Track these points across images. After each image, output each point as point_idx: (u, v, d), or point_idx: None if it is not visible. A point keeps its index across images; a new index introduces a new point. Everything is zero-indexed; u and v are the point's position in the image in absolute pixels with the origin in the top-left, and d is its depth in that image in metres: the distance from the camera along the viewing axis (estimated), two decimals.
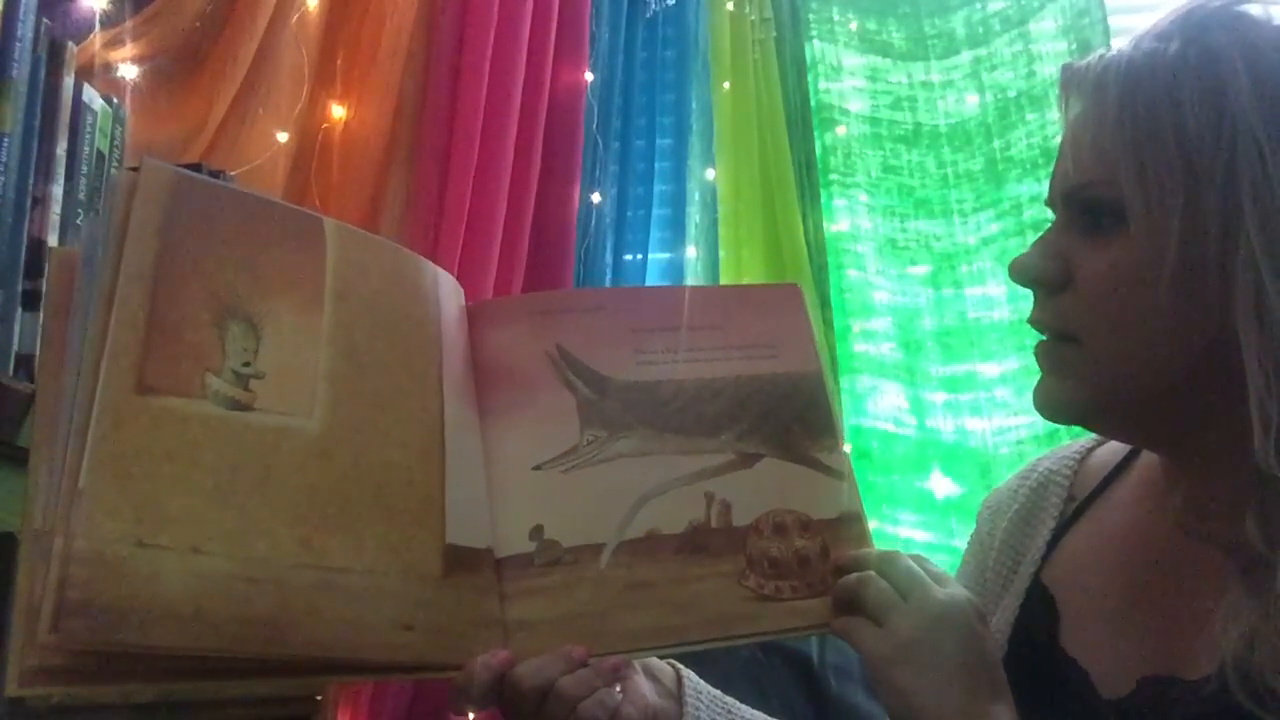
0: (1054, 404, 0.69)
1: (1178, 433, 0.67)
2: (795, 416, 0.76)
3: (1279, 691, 0.57)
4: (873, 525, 0.75)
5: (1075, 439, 0.84)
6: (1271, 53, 0.61)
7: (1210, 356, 0.62)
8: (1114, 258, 0.64)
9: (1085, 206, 0.66)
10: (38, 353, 0.94)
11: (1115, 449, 0.79)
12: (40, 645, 0.50)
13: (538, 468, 0.71)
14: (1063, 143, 0.68)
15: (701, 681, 0.78)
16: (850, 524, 0.73)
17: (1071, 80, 0.68)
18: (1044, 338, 0.69)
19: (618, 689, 0.68)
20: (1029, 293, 0.70)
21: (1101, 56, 0.66)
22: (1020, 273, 0.69)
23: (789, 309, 0.80)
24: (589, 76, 1.77)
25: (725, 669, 0.87)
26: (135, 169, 0.60)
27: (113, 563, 0.52)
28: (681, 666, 0.78)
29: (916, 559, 0.69)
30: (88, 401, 0.54)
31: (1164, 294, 0.61)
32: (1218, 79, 0.61)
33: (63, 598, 0.50)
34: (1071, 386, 0.67)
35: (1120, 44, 0.67)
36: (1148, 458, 0.75)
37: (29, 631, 0.51)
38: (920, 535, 1.94)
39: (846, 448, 0.80)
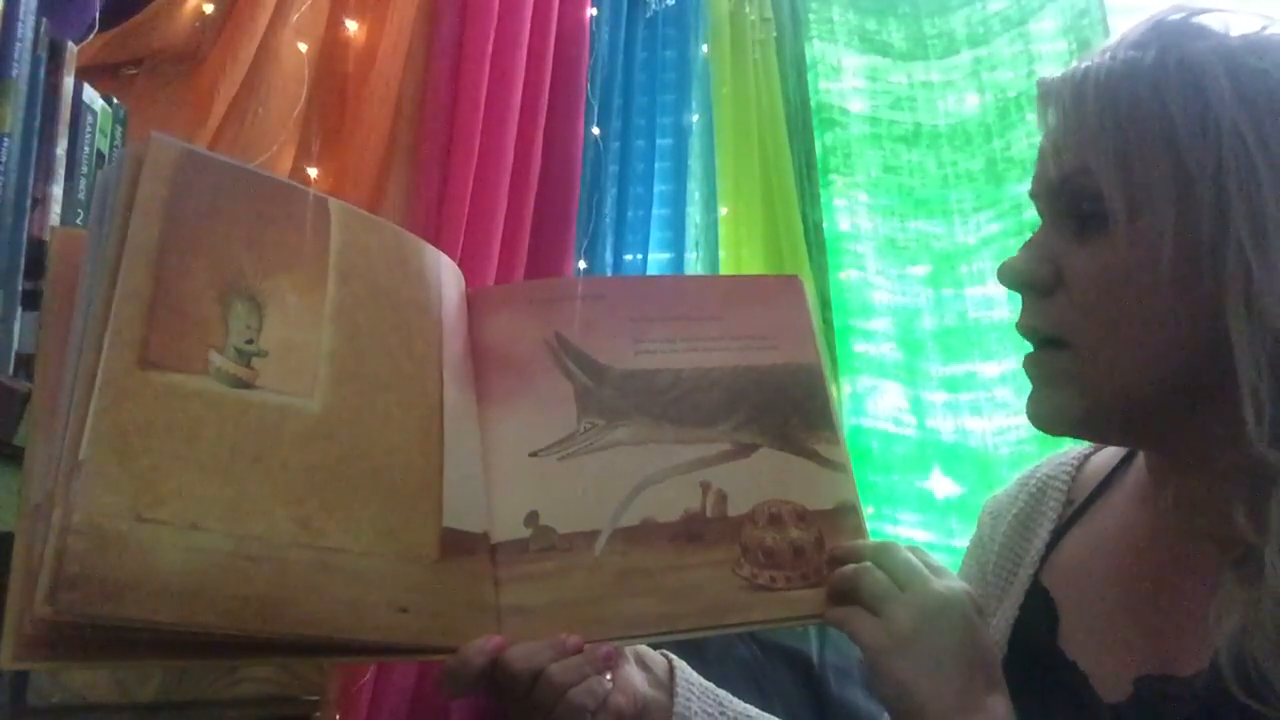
0: (1051, 416, 0.68)
1: (1169, 431, 0.66)
2: (793, 407, 0.76)
3: (1272, 680, 0.57)
4: (872, 525, 0.75)
5: (1074, 444, 0.84)
6: (1246, 56, 0.62)
7: (1202, 351, 0.62)
8: (1105, 260, 0.64)
9: (1069, 198, 0.66)
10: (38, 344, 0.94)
11: (1113, 454, 0.79)
12: (36, 618, 0.50)
13: (534, 454, 0.71)
14: (1041, 149, 0.68)
15: (694, 672, 0.78)
16: (847, 515, 0.73)
17: (1049, 92, 0.67)
18: (1031, 349, 0.69)
19: (608, 677, 0.68)
20: None
21: (1076, 68, 0.66)
22: (1009, 275, 0.68)
23: (789, 300, 0.80)
24: (589, 77, 1.78)
25: (724, 669, 0.87)
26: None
27: (111, 536, 0.51)
28: (674, 657, 0.78)
29: (913, 550, 0.69)
30: (90, 375, 0.54)
31: (1161, 292, 0.61)
32: (1199, 81, 0.61)
33: (60, 570, 0.50)
34: (1067, 396, 0.66)
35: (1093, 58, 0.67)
36: (1141, 459, 0.75)
37: (25, 604, 0.51)
38: (920, 535, 1.94)
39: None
